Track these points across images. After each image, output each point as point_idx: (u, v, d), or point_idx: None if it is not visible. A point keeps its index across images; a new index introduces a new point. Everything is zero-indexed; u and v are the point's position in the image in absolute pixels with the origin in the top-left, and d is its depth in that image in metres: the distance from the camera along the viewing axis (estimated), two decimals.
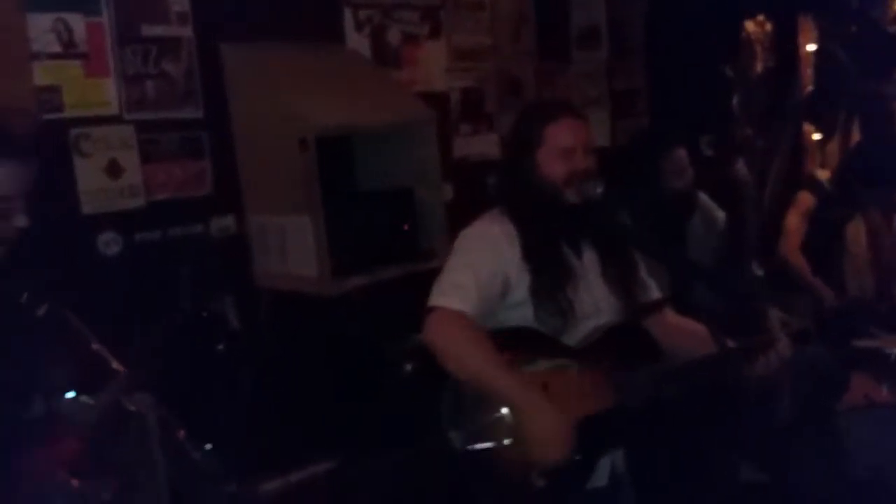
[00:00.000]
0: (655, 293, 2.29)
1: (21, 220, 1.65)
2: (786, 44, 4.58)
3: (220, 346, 1.53)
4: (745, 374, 2.14)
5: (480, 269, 2.05)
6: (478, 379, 1.99)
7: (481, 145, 3.82)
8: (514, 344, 2.05)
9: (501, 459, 2.03)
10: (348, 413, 2.92)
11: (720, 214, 3.53)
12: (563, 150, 2.10)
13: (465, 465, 2.07)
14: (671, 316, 2.27)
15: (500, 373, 1.98)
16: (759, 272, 3.61)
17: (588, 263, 2.17)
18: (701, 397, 2.80)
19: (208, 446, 1.66)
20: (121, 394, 1.66)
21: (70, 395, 1.73)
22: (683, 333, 2.18)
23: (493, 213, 2.17)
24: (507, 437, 2.01)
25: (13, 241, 1.67)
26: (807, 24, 4.63)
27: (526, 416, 1.96)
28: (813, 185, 3.64)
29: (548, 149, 2.11)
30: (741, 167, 3.66)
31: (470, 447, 2.02)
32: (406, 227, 3.11)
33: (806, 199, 3.56)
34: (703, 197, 3.52)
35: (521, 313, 2.08)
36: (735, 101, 4.40)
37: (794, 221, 3.54)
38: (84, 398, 1.69)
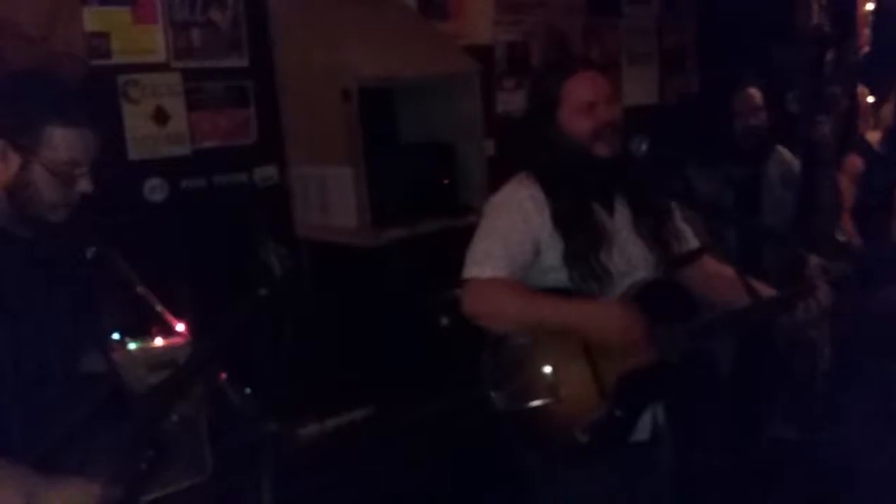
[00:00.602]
0: (692, 242, 2.26)
1: (85, 185, 1.65)
2: (844, 2, 4.44)
3: (263, 292, 1.54)
4: (783, 323, 2.13)
5: (510, 235, 2.04)
6: (535, 322, 1.99)
7: (525, 101, 3.79)
8: None
9: (544, 418, 2.05)
10: (385, 363, 2.96)
11: (797, 165, 3.45)
12: (584, 105, 2.06)
13: (508, 424, 2.10)
14: (710, 264, 2.24)
15: (553, 305, 2.00)
16: (841, 238, 3.52)
17: (620, 219, 2.15)
18: (740, 350, 2.79)
19: (248, 390, 1.70)
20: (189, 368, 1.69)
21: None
22: (723, 281, 2.14)
23: (519, 178, 2.14)
24: (550, 395, 2.03)
25: (75, 204, 1.67)
26: None
27: (601, 322, 1.98)
28: (862, 147, 3.56)
29: (569, 106, 2.07)
30: (824, 127, 3.54)
31: (513, 407, 2.04)
32: (446, 182, 3.12)
33: (854, 163, 3.48)
34: (781, 148, 3.44)
35: (554, 276, 2.07)
36: (828, 58, 4.29)
37: (844, 185, 3.47)
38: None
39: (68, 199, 1.65)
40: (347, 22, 3.04)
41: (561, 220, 2.06)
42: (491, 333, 2.04)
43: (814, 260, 2.35)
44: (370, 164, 2.85)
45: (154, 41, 2.82)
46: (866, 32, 4.47)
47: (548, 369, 2.03)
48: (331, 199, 2.94)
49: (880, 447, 2.88)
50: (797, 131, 3.55)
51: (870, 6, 4.43)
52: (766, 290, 2.13)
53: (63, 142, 1.60)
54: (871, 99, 4.33)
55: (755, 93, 3.30)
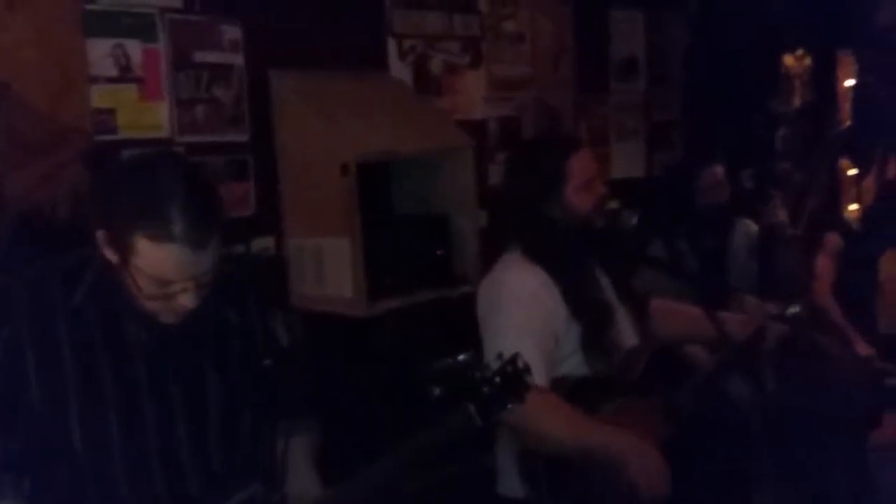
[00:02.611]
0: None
1: (186, 300, 1.44)
2: (824, 78, 4.60)
3: (268, 362, 1.56)
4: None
5: (537, 332, 2.02)
6: (582, 449, 1.97)
7: (513, 178, 3.90)
8: (574, 395, 2.05)
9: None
10: (377, 432, 2.98)
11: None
12: (588, 181, 2.17)
13: None
14: (661, 303, 2.38)
15: (597, 430, 1.98)
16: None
17: (604, 284, 2.24)
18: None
19: None
20: None
21: None
22: (680, 317, 2.30)
23: (514, 259, 2.16)
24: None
25: (183, 315, 1.48)
26: (846, 59, 4.64)
27: (629, 460, 1.96)
28: (840, 225, 3.66)
29: (574, 183, 2.17)
30: (775, 206, 3.68)
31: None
32: (440, 253, 3.19)
33: (833, 241, 3.57)
34: (746, 220, 3.57)
35: (572, 361, 2.11)
36: (779, 134, 4.43)
37: (824, 264, 3.55)
38: None
39: (166, 309, 1.46)
40: (346, 98, 3.15)
41: (576, 307, 2.10)
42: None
43: (749, 298, 2.46)
44: (366, 235, 2.92)
45: (159, 117, 2.91)
46: (847, 107, 4.61)
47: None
48: (327, 269, 3.00)
49: None
50: (752, 209, 3.68)
51: (850, 82, 4.58)
52: (732, 318, 2.24)
53: (149, 256, 1.38)
54: (853, 172, 4.45)
55: (718, 170, 3.45)
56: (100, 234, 1.44)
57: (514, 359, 1.55)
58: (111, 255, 1.44)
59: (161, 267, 1.39)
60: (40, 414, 1.49)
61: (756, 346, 2.23)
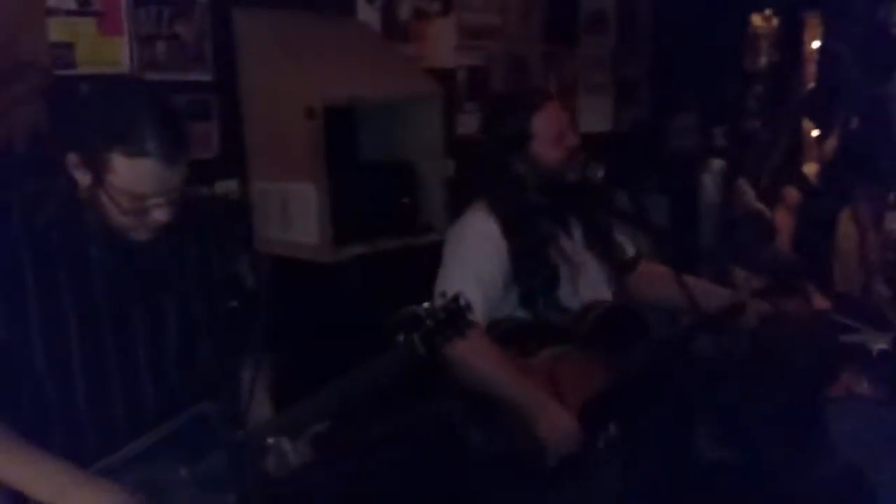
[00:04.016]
0: (630, 250, 2.43)
1: (160, 215, 1.50)
2: (791, 40, 4.62)
3: (234, 304, 1.57)
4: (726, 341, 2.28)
5: (482, 270, 2.11)
6: (496, 389, 2.09)
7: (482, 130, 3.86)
8: (517, 337, 2.13)
9: (517, 444, 2.10)
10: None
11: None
12: (556, 137, 2.16)
13: (477, 458, 2.15)
14: (650, 267, 2.43)
15: (515, 382, 2.08)
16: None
17: (577, 240, 2.25)
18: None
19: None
20: None
21: None
22: (665, 281, 2.30)
23: (480, 208, 2.20)
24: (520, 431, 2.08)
25: (153, 228, 1.54)
26: (813, 21, 4.67)
27: (539, 418, 2.07)
28: (798, 179, 3.70)
29: (541, 138, 2.16)
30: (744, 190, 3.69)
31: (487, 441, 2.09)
32: (406, 201, 3.17)
33: (792, 195, 3.62)
34: (714, 160, 3.58)
35: (521, 310, 2.15)
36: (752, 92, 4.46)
37: (782, 217, 3.60)
38: None
39: (141, 225, 1.52)
40: (313, 41, 3.09)
41: (517, 261, 2.13)
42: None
43: (740, 273, 2.52)
44: (332, 181, 2.89)
45: (119, 52, 2.82)
46: (812, 69, 4.66)
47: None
48: (292, 214, 2.97)
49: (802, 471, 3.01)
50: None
51: (815, 44, 4.61)
52: (708, 288, 2.28)
53: (125, 171, 1.45)
54: (815, 133, 4.51)
55: (690, 117, 3.43)
56: (70, 157, 1.49)
57: (456, 297, 1.69)
58: (82, 177, 1.50)
59: (137, 182, 1.46)
60: (4, 336, 1.53)
61: (729, 320, 2.29)
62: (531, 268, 2.14)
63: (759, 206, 3.59)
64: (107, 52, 2.79)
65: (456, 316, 1.69)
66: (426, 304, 1.68)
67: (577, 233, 2.28)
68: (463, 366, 2.05)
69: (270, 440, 1.60)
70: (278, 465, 1.65)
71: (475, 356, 2.03)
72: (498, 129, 2.24)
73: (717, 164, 3.57)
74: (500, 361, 2.08)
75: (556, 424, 2.07)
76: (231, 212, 3.01)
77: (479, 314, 2.01)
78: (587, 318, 2.20)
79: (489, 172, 2.25)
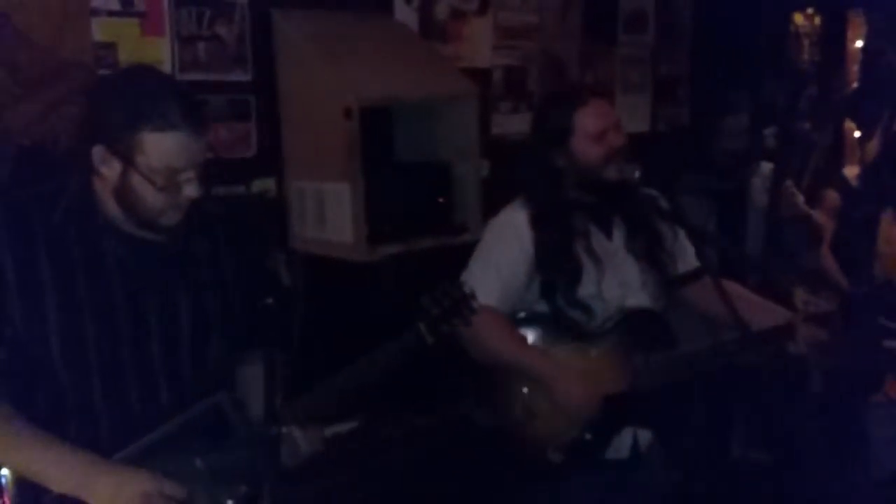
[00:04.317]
0: (691, 262, 2.34)
1: (191, 191, 1.56)
2: (833, 39, 4.55)
3: (270, 301, 1.60)
4: (768, 357, 2.23)
5: (503, 262, 2.15)
6: (506, 362, 2.13)
7: (520, 124, 3.85)
8: (535, 329, 2.16)
9: (521, 436, 2.12)
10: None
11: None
12: (597, 134, 2.15)
13: (487, 440, 2.17)
14: (710, 283, 2.27)
15: (525, 353, 2.12)
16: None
17: (617, 242, 2.24)
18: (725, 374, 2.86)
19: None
20: None
21: None
22: (712, 293, 2.21)
23: (517, 204, 2.24)
24: (526, 414, 2.10)
25: (185, 207, 1.60)
26: (856, 20, 4.59)
27: (554, 386, 2.10)
28: (839, 182, 3.64)
29: (582, 134, 2.16)
30: (791, 192, 3.62)
31: (491, 423, 2.12)
32: (441, 200, 3.18)
33: (832, 198, 3.56)
34: (764, 163, 3.51)
35: (542, 305, 2.16)
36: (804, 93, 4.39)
37: (822, 219, 3.55)
38: None
39: (174, 204, 1.57)
40: (351, 41, 3.11)
41: (540, 252, 2.14)
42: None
43: (801, 294, 2.43)
44: (368, 180, 2.91)
45: (160, 53, 2.87)
46: (854, 69, 4.58)
47: (525, 389, 2.11)
48: (328, 213, 2.99)
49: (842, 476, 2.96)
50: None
51: (859, 43, 4.53)
52: (769, 309, 2.19)
53: (156, 148, 1.52)
54: (857, 134, 4.43)
55: (744, 118, 3.36)
56: (97, 151, 1.54)
57: (459, 285, 1.80)
58: (109, 170, 1.55)
59: (169, 157, 1.52)
60: (22, 330, 1.56)
61: (774, 342, 2.23)
62: (554, 260, 2.15)
63: (808, 209, 3.54)
64: (149, 52, 2.84)
65: (460, 303, 1.77)
66: (430, 294, 1.75)
67: (619, 234, 2.27)
68: (476, 341, 2.10)
69: (283, 429, 1.62)
70: (290, 454, 1.68)
71: (488, 330, 2.07)
72: (542, 124, 2.27)
73: (766, 166, 3.52)
74: (512, 334, 2.13)
75: (572, 390, 2.09)
76: (267, 210, 3.05)
77: (493, 301, 2.08)
78: (611, 319, 2.20)
79: (530, 167, 2.27)
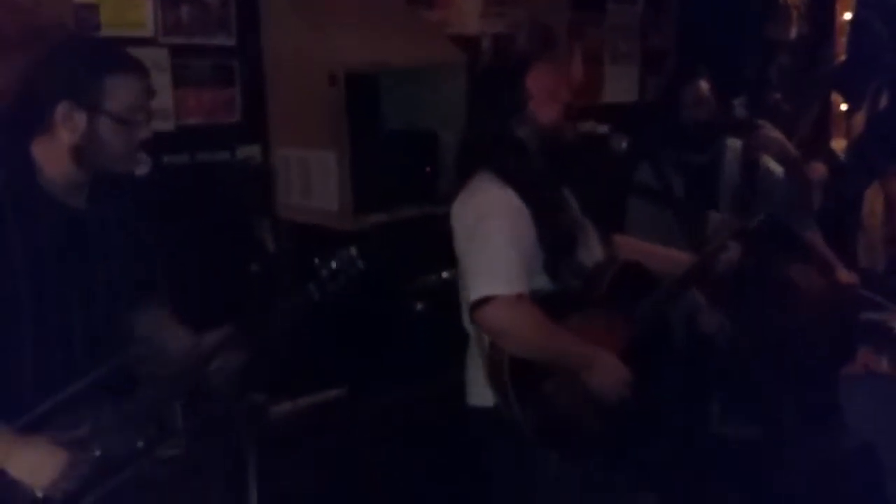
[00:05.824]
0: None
1: (146, 132, 1.76)
2: (822, 10, 4.53)
3: (254, 267, 1.61)
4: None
5: (520, 243, 2.08)
6: (551, 357, 2.11)
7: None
8: (545, 305, 2.12)
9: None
10: (359, 346, 3.00)
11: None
12: (552, 92, 2.13)
13: (478, 421, 2.18)
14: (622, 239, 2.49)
15: (563, 339, 2.11)
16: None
17: (572, 199, 2.27)
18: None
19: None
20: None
21: None
22: (646, 254, 2.39)
23: (492, 179, 2.15)
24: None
25: (137, 151, 1.78)
26: None
27: (592, 367, 2.11)
28: (826, 154, 3.64)
29: (538, 98, 2.13)
30: (765, 133, 3.59)
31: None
32: (429, 169, 3.16)
33: (819, 170, 3.56)
34: (732, 140, 3.46)
35: (541, 278, 2.15)
36: (774, 63, 4.36)
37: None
38: None
39: (132, 146, 1.74)
40: (335, 6, 3.06)
41: (539, 229, 2.12)
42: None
43: (714, 215, 2.54)
44: (353, 148, 2.88)
45: (143, 14, 2.82)
46: (843, 41, 4.57)
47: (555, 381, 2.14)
48: (313, 181, 2.97)
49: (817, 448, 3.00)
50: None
51: (847, 16, 4.52)
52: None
53: (123, 88, 1.70)
54: (844, 107, 4.44)
55: (703, 85, 3.25)
56: (60, 108, 1.66)
57: (346, 250, 1.94)
58: (75, 123, 1.67)
59: (131, 94, 1.71)
60: None
61: (699, 276, 2.40)
62: (553, 231, 2.13)
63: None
64: (131, 14, 2.79)
65: (348, 265, 1.92)
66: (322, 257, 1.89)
67: (571, 196, 2.30)
68: (510, 333, 2.05)
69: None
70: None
71: (523, 322, 2.04)
72: (491, 97, 2.19)
73: (736, 142, 3.47)
74: (546, 323, 2.07)
75: (609, 369, 2.11)
76: (252, 177, 3.02)
77: (522, 283, 2.04)
78: (602, 278, 2.22)
79: (492, 140, 2.19)
